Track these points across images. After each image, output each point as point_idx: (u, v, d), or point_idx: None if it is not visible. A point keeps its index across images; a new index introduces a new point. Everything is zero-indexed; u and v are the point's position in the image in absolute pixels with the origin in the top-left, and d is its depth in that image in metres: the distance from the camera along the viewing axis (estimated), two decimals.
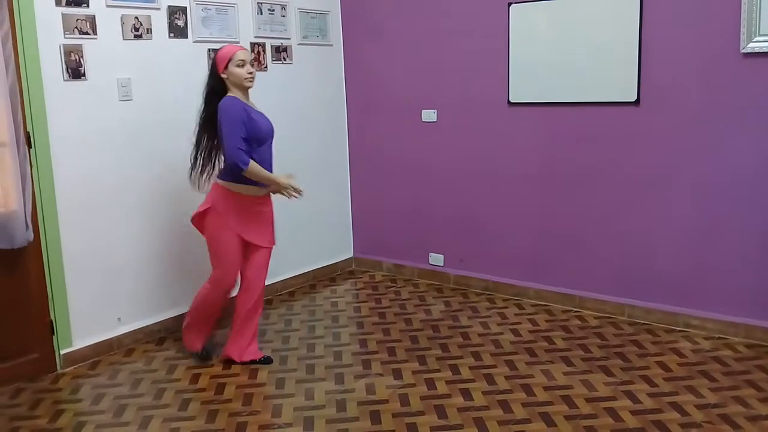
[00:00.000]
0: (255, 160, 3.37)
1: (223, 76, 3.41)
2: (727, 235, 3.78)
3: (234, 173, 3.38)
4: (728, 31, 3.61)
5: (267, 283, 4.73)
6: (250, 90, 3.50)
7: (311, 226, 4.97)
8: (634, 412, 3.04)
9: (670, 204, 3.94)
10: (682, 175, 3.88)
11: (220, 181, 3.47)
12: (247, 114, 3.36)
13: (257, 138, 3.42)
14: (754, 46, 3.53)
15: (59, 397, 3.39)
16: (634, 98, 3.95)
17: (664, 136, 3.91)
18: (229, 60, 3.38)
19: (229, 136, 3.30)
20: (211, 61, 3.51)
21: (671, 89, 3.84)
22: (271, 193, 3.57)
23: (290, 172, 4.90)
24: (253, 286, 3.64)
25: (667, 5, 3.79)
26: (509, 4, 4.32)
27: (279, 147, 4.69)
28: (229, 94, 3.42)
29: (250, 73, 3.41)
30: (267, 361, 3.69)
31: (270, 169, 3.52)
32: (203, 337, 3.75)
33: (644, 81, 3.91)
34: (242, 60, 3.38)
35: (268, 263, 3.70)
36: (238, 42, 4.40)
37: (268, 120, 3.53)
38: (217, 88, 3.44)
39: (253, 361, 3.66)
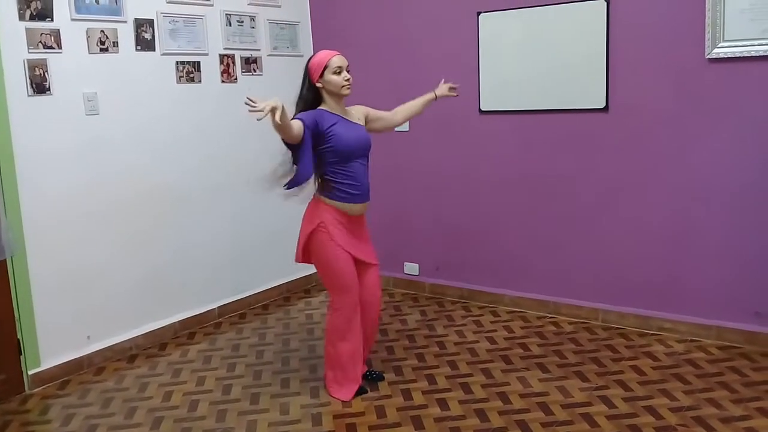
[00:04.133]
0: (338, 177, 3.15)
1: (318, 85, 3.15)
2: (698, 238, 3.83)
3: (336, 191, 3.16)
4: (693, 38, 3.66)
5: (241, 296, 4.75)
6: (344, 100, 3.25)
7: (285, 237, 4.92)
8: (609, 417, 3.05)
9: (641, 209, 3.98)
10: (652, 180, 3.92)
11: (327, 200, 3.20)
12: (327, 123, 3.09)
13: (339, 152, 3.12)
14: (719, 51, 3.59)
15: (28, 418, 3.31)
16: (602, 105, 3.99)
17: (634, 142, 3.95)
18: (325, 67, 3.12)
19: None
20: (304, 70, 3.22)
21: (639, 95, 3.89)
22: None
23: (262, 182, 4.87)
24: (371, 308, 3.38)
25: (633, 13, 3.84)
26: (478, 14, 4.35)
27: (252, 159, 4.69)
28: (322, 105, 3.18)
29: (348, 80, 3.16)
30: (380, 377, 3.54)
31: (366, 189, 3.27)
32: (356, 379, 3.39)
33: (612, 88, 3.95)
34: (339, 66, 3.12)
35: (380, 281, 3.46)
36: (207, 54, 4.37)
37: (360, 134, 3.24)
38: (310, 98, 3.18)
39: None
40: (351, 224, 3.26)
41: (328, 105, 3.20)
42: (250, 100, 2.73)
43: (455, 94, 3.67)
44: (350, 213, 3.23)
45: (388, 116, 3.55)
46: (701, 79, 3.68)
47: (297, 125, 2.95)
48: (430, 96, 3.63)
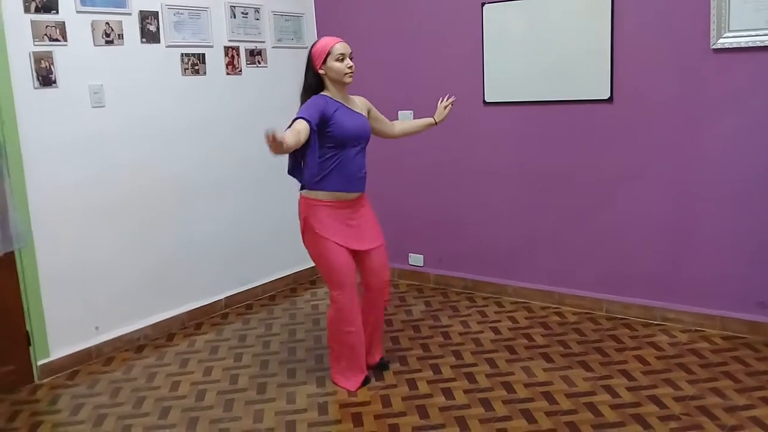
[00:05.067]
0: (330, 163, 3.13)
1: (321, 71, 3.14)
2: (702, 229, 3.83)
3: (313, 178, 3.12)
4: (698, 28, 3.65)
5: (248, 287, 4.78)
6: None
7: (291, 228, 4.94)
8: (613, 407, 3.07)
9: (645, 199, 3.98)
10: (656, 171, 3.92)
11: (312, 192, 3.18)
12: (331, 110, 3.09)
13: (337, 139, 3.10)
14: (724, 42, 3.58)
15: (37, 408, 3.35)
16: (607, 96, 3.99)
17: (638, 132, 3.95)
18: (328, 54, 3.10)
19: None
20: (307, 57, 3.20)
21: (643, 86, 3.88)
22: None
23: (266, 173, 4.88)
24: (378, 293, 3.38)
25: (638, 4, 3.83)
26: (483, 4, 4.34)
27: (258, 151, 4.69)
28: (324, 91, 3.17)
29: (350, 67, 3.13)
30: (385, 367, 3.58)
31: (361, 182, 3.25)
32: (361, 369, 3.40)
33: (617, 78, 3.95)
34: (342, 53, 3.10)
35: (387, 261, 3.41)
36: (212, 46, 4.38)
37: (360, 122, 3.23)
38: (313, 85, 3.17)
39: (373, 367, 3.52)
40: (345, 209, 3.23)
41: (330, 92, 3.19)
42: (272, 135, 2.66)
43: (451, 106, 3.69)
44: (342, 199, 3.21)
45: (386, 123, 3.56)
46: (706, 69, 3.68)
47: (304, 131, 2.92)
48: (430, 121, 3.67)
